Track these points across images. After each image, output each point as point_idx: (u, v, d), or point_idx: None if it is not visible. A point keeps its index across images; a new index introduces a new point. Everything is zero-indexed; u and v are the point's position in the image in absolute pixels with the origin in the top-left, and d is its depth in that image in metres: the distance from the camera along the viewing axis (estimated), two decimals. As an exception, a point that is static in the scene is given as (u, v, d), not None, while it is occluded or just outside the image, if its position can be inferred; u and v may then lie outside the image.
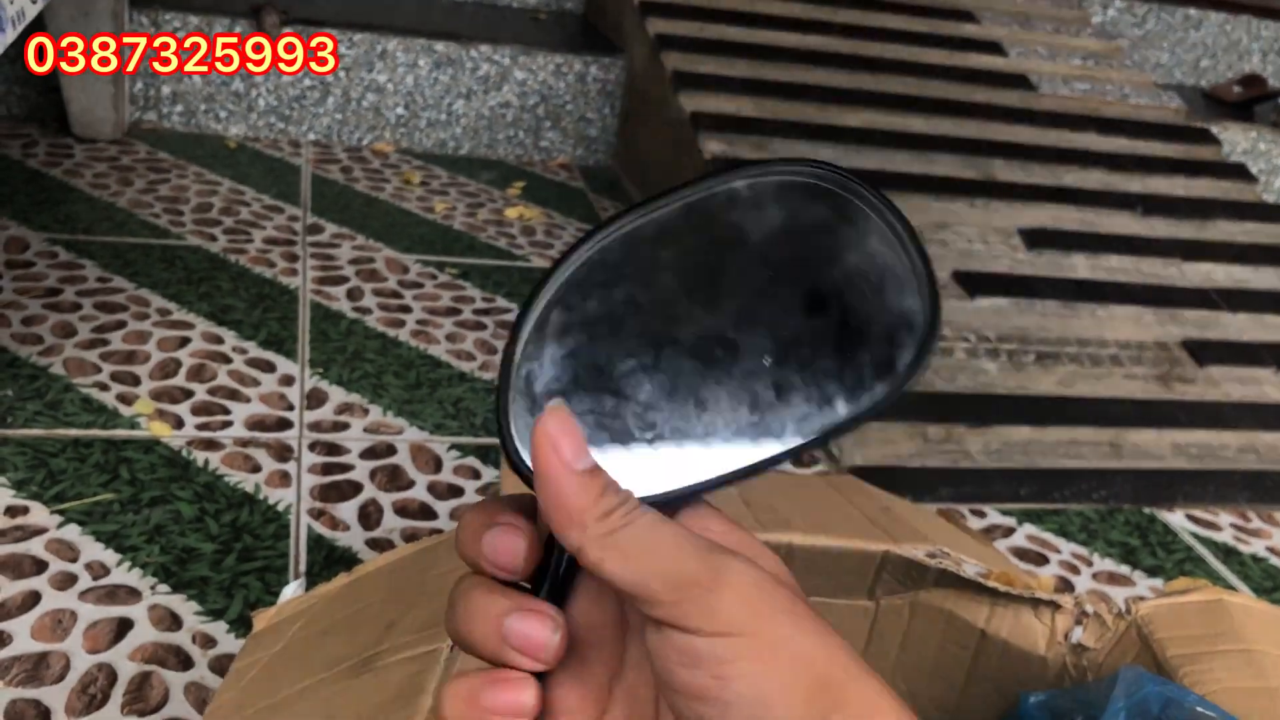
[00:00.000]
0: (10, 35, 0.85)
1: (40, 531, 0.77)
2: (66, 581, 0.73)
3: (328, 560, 0.79)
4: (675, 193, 0.28)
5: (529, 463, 0.26)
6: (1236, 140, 1.91)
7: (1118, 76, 1.76)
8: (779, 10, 1.69)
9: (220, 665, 0.68)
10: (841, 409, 0.26)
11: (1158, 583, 0.93)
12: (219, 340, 1.05)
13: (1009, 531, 0.97)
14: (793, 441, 0.26)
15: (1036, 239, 1.34)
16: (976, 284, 1.24)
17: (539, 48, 1.65)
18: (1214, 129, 1.83)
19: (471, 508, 0.28)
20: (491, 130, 1.67)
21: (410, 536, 0.83)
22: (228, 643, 0.70)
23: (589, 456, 0.25)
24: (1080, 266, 1.33)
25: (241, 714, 0.54)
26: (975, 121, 1.55)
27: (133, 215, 1.28)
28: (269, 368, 1.02)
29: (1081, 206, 1.44)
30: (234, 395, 0.96)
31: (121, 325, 1.05)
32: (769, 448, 0.27)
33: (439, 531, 0.84)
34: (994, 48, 1.74)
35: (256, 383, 0.99)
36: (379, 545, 0.82)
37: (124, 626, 0.70)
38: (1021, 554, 0.93)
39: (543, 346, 0.27)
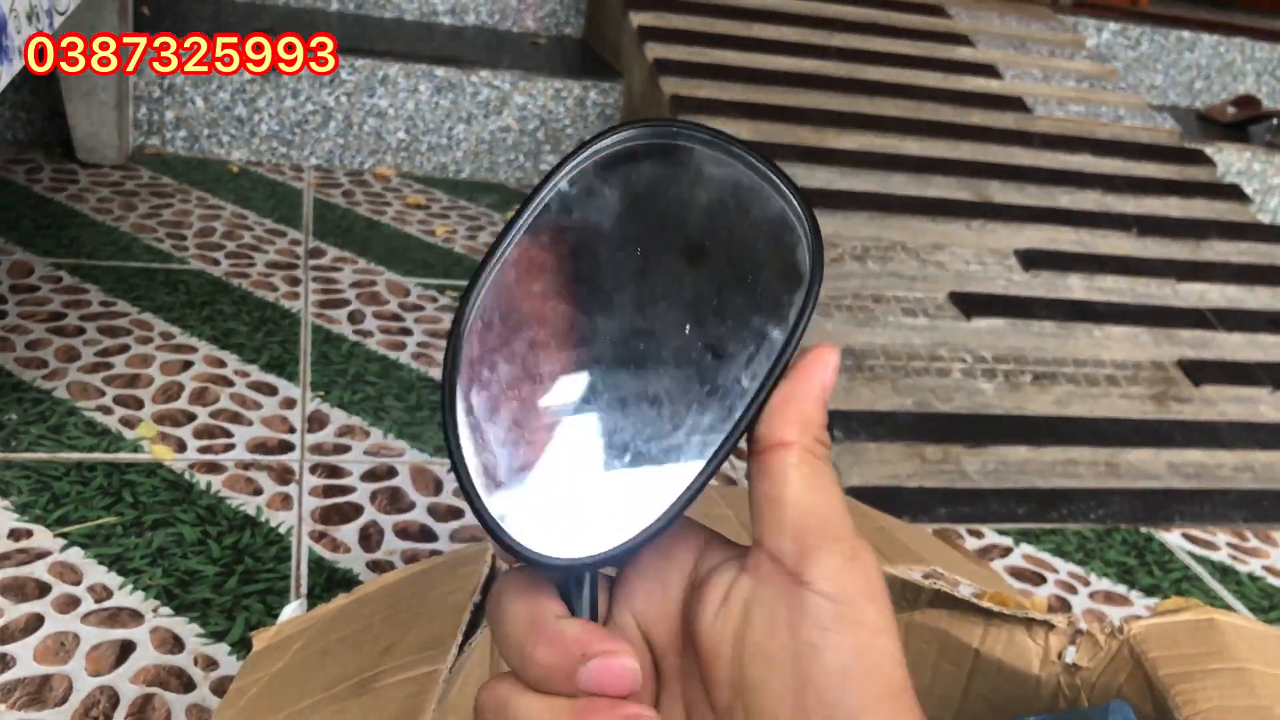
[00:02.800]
0: (17, 64, 0.86)
1: (43, 555, 0.78)
2: (69, 604, 0.74)
3: (329, 583, 0.80)
4: (512, 226, 0.27)
5: (522, 543, 0.26)
6: (1231, 161, 1.92)
7: (1112, 98, 1.78)
8: (775, 35, 1.71)
9: (222, 687, 0.69)
10: (777, 334, 0.26)
11: (1155, 602, 0.93)
12: (221, 364, 1.06)
13: (1006, 551, 0.97)
14: (754, 388, 0.26)
15: (1032, 260, 1.36)
16: (973, 305, 1.25)
17: (539, 72, 1.67)
18: (1208, 150, 1.84)
19: (542, 643, 0.26)
20: (492, 154, 1.69)
21: (410, 558, 0.84)
22: (229, 665, 0.71)
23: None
24: (1076, 287, 1.34)
25: (242, 735, 0.55)
26: (971, 144, 1.56)
27: (136, 240, 1.29)
28: (271, 391, 1.03)
29: (1077, 227, 1.45)
30: (236, 418, 0.97)
31: (125, 349, 1.06)
32: (738, 407, 0.26)
33: (439, 553, 0.85)
34: (989, 70, 1.76)
35: (258, 406, 1.00)
36: (380, 567, 0.82)
37: (126, 649, 0.71)
38: (1019, 574, 0.94)
39: (478, 427, 0.27)
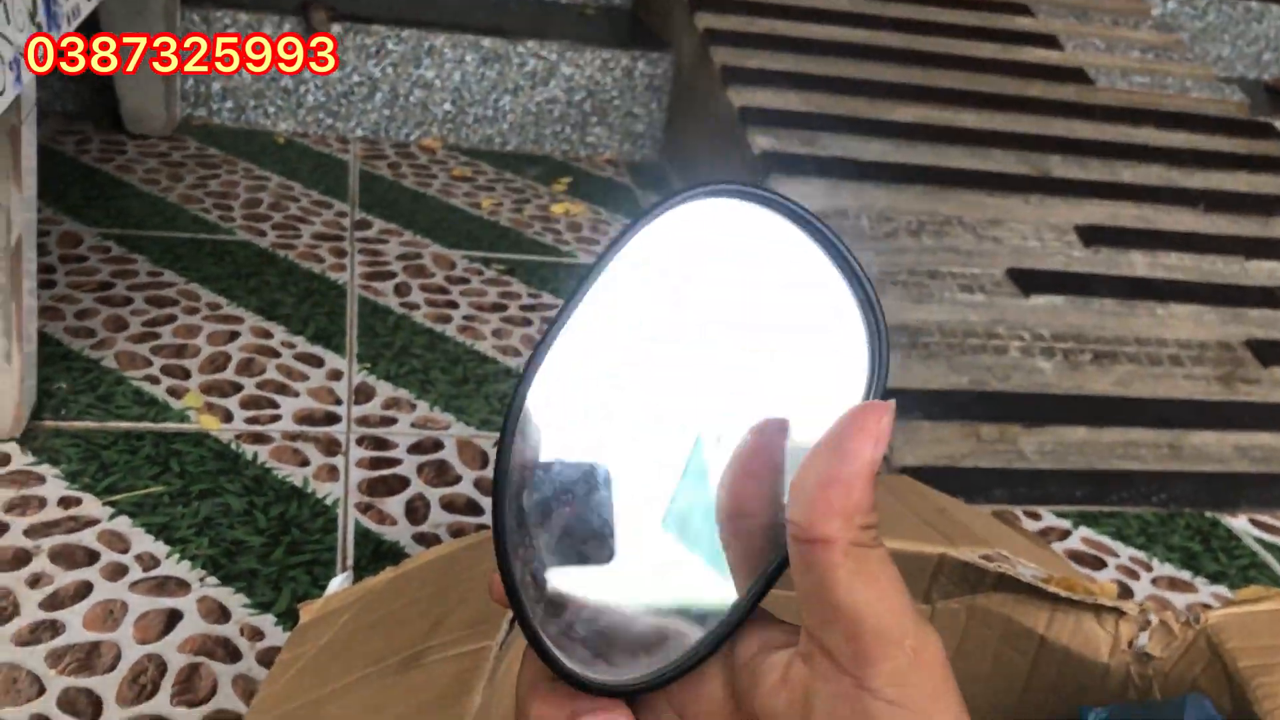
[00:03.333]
0: (65, 29, 0.86)
1: (92, 522, 0.78)
2: (118, 572, 0.74)
3: (374, 555, 0.79)
4: (552, 331, 0.24)
5: (588, 677, 0.25)
6: (1301, 135, 1.85)
7: (1178, 70, 1.72)
8: (828, 4, 1.67)
9: (268, 658, 0.68)
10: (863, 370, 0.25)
11: (1221, 589, 0.90)
12: (268, 335, 1.05)
13: (1065, 534, 0.94)
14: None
15: (1093, 236, 1.31)
16: (1032, 281, 1.21)
17: (586, 43, 1.64)
18: (1277, 124, 1.78)
19: (536, 700, 0.26)
20: (538, 126, 1.67)
21: (457, 531, 0.83)
22: (275, 635, 0.70)
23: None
24: (1138, 264, 1.29)
25: (287, 706, 0.54)
26: (1030, 116, 1.52)
27: (183, 210, 1.29)
28: (317, 362, 1.02)
29: (1140, 203, 1.40)
30: (283, 389, 0.97)
31: (172, 319, 1.06)
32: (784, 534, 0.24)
33: (485, 527, 0.84)
34: (1049, 41, 1.70)
35: (305, 377, 0.99)
36: (426, 540, 0.82)
37: (173, 618, 0.71)
38: (1078, 557, 0.91)
39: (529, 539, 0.25)
